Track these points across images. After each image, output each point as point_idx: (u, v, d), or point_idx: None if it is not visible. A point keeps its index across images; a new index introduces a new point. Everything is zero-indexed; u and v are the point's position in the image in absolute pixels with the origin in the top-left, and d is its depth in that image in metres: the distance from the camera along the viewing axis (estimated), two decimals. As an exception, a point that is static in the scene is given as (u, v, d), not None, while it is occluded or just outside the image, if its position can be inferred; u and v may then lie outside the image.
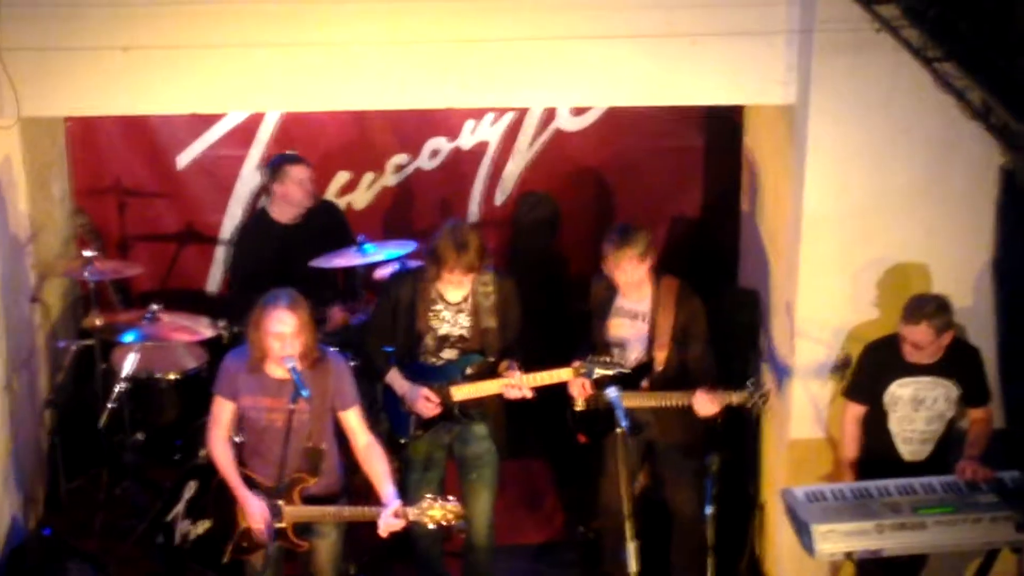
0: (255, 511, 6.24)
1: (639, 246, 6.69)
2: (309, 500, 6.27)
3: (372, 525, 6.59)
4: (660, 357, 6.81)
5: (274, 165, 8.08)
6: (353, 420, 6.36)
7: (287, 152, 8.14)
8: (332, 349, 6.53)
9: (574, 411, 6.97)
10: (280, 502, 6.23)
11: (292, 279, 7.73)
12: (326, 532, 6.41)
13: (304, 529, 6.31)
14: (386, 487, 6.29)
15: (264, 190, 8.39)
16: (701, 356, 6.86)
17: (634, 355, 6.90)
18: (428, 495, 6.23)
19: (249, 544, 6.34)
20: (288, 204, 7.96)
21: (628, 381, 6.79)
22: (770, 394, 6.73)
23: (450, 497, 6.24)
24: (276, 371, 6.21)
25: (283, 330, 6.04)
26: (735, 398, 6.69)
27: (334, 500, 6.39)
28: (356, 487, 6.79)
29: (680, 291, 6.85)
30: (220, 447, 6.33)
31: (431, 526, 6.16)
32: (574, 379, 6.75)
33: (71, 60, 6.70)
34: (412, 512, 6.14)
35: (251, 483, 6.29)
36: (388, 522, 6.15)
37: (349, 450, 6.48)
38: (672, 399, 6.72)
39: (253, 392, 6.24)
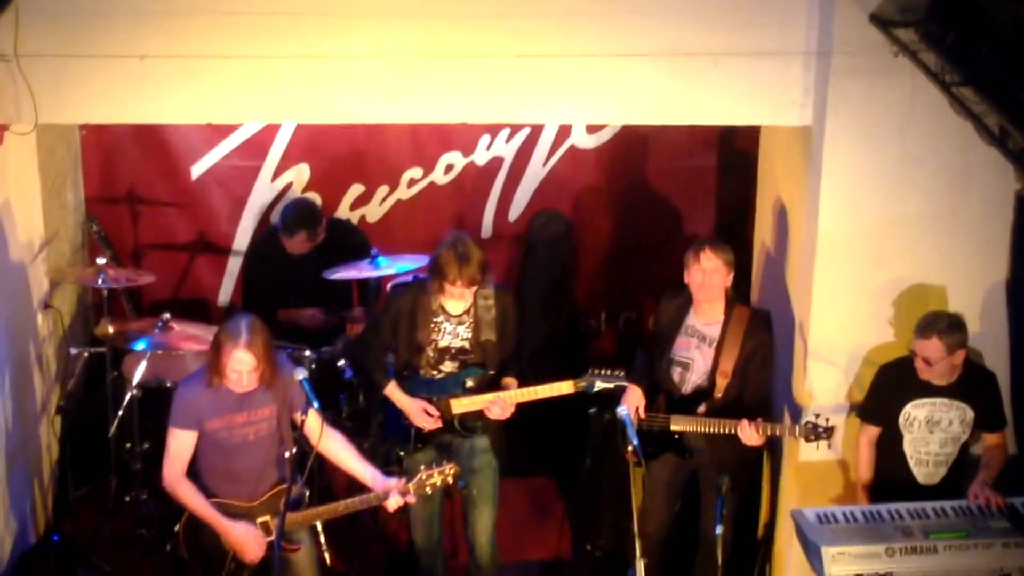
0: (246, 538, 6.24)
1: (727, 253, 6.73)
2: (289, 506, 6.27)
3: (380, 540, 6.60)
4: (721, 384, 6.80)
5: (280, 217, 8.12)
6: (314, 421, 6.30)
7: (295, 213, 8.10)
8: (285, 355, 6.58)
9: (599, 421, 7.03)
10: (267, 518, 6.25)
11: (305, 292, 7.78)
12: (304, 539, 6.44)
13: (287, 538, 6.30)
14: (367, 469, 6.38)
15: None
16: (758, 388, 6.88)
17: (695, 377, 6.90)
18: (422, 466, 6.33)
19: (239, 566, 6.34)
20: None
21: (684, 405, 6.85)
22: (833, 431, 6.66)
23: (444, 463, 6.36)
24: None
25: (241, 369, 6.07)
26: (779, 431, 6.74)
27: (299, 502, 6.42)
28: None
29: (751, 322, 6.86)
30: (185, 485, 6.25)
31: (430, 491, 6.32)
32: (629, 392, 6.80)
33: (89, 68, 6.70)
34: (413, 487, 6.25)
35: (226, 511, 6.27)
36: (396, 500, 6.25)
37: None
38: (719, 426, 6.71)
39: (221, 412, 6.21)
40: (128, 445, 7.62)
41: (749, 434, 6.63)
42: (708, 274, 6.73)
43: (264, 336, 6.11)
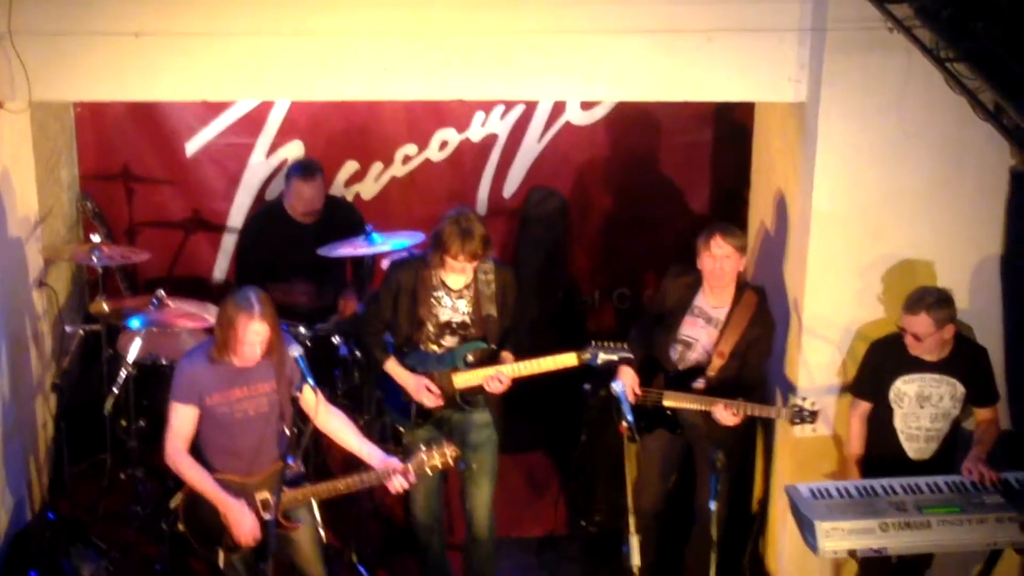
0: (241, 520, 6.21)
1: (738, 238, 6.75)
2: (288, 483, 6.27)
3: (377, 517, 6.56)
4: (716, 364, 6.80)
5: (287, 171, 8.13)
6: (310, 396, 6.29)
7: (306, 162, 8.13)
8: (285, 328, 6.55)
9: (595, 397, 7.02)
10: (266, 494, 6.24)
11: (300, 269, 7.77)
12: (303, 518, 6.42)
13: (284, 516, 6.31)
14: (368, 448, 6.37)
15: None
16: (754, 371, 6.89)
17: (695, 355, 6.91)
18: (421, 446, 6.36)
19: (235, 543, 6.33)
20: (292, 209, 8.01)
21: (679, 381, 6.86)
22: (818, 414, 6.68)
23: (442, 442, 6.39)
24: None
25: (256, 340, 6.07)
26: (765, 412, 6.75)
27: (299, 480, 6.42)
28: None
29: (758, 308, 6.86)
30: (187, 460, 6.23)
31: (430, 472, 6.33)
32: (622, 373, 6.79)
33: (83, 45, 6.70)
34: (413, 467, 6.25)
35: (225, 485, 6.26)
36: (399, 481, 6.24)
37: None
38: (698, 403, 6.72)
39: (222, 387, 6.21)
40: (123, 423, 7.59)
41: (724, 416, 6.65)
42: (719, 260, 6.73)
43: (272, 305, 6.13)
